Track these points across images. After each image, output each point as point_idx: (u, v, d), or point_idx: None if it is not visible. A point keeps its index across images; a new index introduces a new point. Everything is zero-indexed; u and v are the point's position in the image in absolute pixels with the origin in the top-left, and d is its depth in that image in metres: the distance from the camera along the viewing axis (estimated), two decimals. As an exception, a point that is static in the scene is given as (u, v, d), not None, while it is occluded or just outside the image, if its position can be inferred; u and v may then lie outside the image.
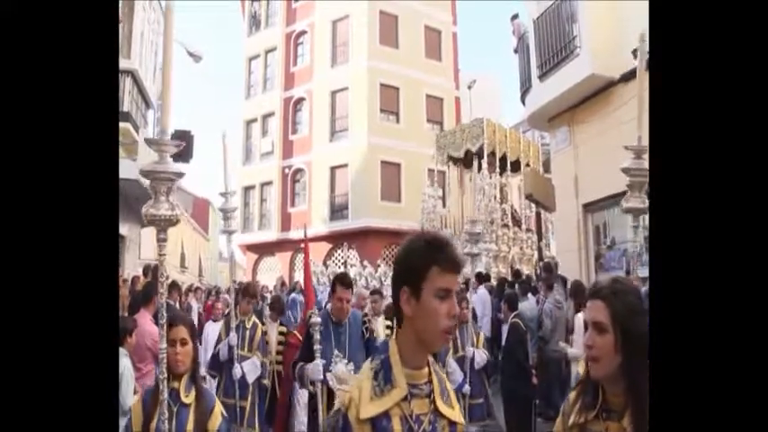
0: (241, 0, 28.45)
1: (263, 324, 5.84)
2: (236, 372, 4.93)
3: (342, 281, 4.01)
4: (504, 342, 6.04)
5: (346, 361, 3.80)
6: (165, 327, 2.07)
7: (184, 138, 12.39)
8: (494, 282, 10.82)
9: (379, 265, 15.82)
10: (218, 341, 5.28)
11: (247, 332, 5.25)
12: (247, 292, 5.62)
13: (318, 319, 3.69)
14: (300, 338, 5.79)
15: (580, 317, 5.63)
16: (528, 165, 15.94)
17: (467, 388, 4.67)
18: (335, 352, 3.77)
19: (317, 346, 3.63)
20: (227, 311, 6.42)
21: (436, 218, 15.99)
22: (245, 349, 5.15)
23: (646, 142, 2.60)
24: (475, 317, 8.17)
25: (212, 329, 7.03)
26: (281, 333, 6.07)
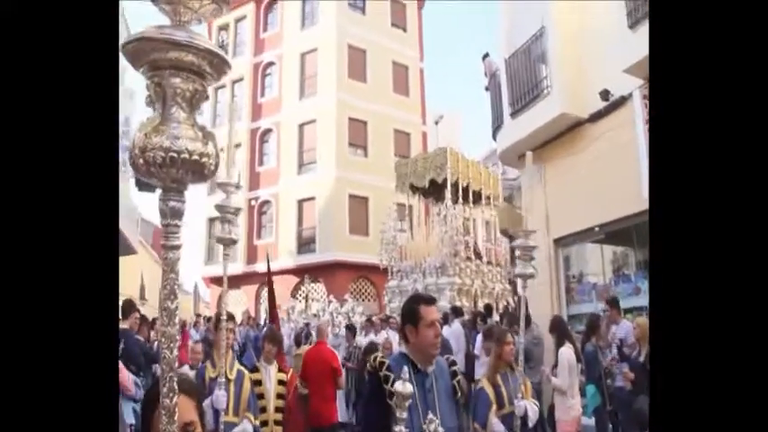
0: (208, 29, 28.46)
1: (255, 370, 4.49)
2: None
3: (424, 299, 2.70)
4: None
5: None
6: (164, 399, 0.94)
7: (152, 168, 12.16)
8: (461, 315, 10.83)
9: (345, 300, 15.58)
10: None
11: (231, 386, 3.77)
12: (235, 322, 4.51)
13: (409, 388, 2.06)
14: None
15: (564, 351, 5.68)
16: (488, 197, 16.21)
17: None
18: (429, 416, 2.42)
19: (399, 429, 2.08)
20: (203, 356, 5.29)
21: (395, 249, 15.96)
22: (231, 412, 3.73)
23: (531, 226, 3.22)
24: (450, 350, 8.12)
25: None
26: (281, 381, 4.63)
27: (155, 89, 0.91)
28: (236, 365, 4.03)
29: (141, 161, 0.88)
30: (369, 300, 21.11)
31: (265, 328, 6.69)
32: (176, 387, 0.93)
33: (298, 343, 8.98)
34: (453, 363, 2.80)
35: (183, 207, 0.97)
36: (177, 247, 0.98)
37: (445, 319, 9.33)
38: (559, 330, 6.05)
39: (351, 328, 9.93)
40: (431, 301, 2.69)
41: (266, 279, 9.74)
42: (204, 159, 0.90)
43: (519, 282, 3.46)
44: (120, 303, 6.86)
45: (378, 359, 2.57)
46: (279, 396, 4.57)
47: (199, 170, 0.90)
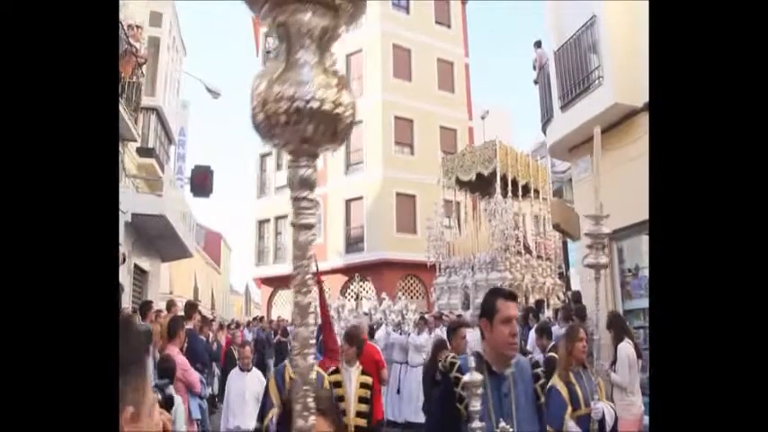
0: (255, 36, 29.05)
1: (335, 372, 4.18)
2: None
3: (503, 292, 2.50)
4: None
5: None
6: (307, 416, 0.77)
7: (205, 173, 12.54)
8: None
9: (399, 298, 15.59)
10: (265, 405, 3.65)
11: None
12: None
13: (478, 376, 1.95)
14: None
15: (623, 347, 5.55)
16: (537, 191, 15.93)
17: None
18: (502, 424, 2.12)
19: (477, 425, 1.93)
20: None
21: (443, 245, 15.86)
22: None
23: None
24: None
25: (238, 382, 5.48)
26: (364, 385, 4.23)
27: (278, 30, 0.75)
28: (315, 366, 3.66)
29: (262, 116, 0.73)
30: (417, 297, 21.12)
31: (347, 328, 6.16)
32: (313, 406, 0.74)
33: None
34: (537, 364, 2.50)
35: (315, 175, 0.76)
36: (310, 227, 0.76)
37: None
38: (617, 326, 5.90)
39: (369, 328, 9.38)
40: (510, 296, 2.43)
41: (316, 280, 9.66)
42: (339, 110, 0.73)
43: (592, 273, 3.12)
44: (183, 305, 7.11)
45: (449, 359, 2.39)
46: (361, 400, 4.16)
47: (332, 123, 0.73)
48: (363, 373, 4.33)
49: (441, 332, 9.55)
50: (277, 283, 25.24)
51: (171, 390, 3.64)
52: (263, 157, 26.71)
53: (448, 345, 5.49)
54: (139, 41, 10.43)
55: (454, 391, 2.22)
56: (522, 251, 14.93)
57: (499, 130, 24.11)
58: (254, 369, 5.71)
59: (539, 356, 7.75)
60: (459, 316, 10.33)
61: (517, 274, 14.31)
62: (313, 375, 0.80)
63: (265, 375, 5.76)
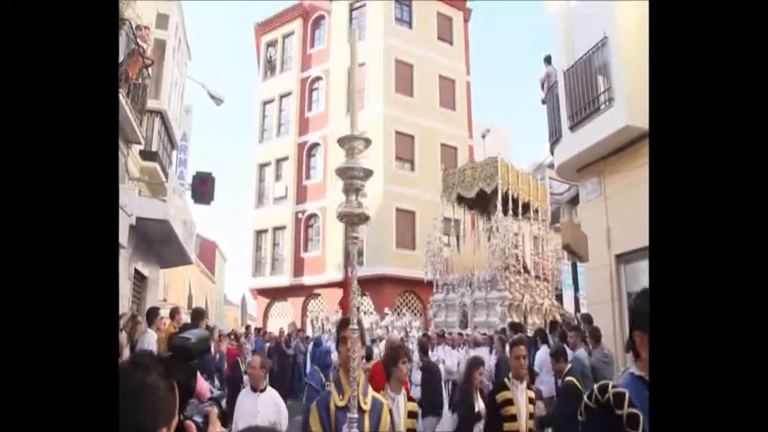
0: (257, 44, 29.05)
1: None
2: None
3: None
4: (557, 400, 5.74)
5: None
6: None
7: (207, 179, 12.37)
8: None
9: (403, 314, 15.39)
10: None
11: (366, 419, 2.80)
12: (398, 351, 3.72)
13: None
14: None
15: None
16: (536, 210, 15.91)
17: None
18: None
19: None
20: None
21: (441, 261, 15.74)
22: None
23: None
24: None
25: (249, 406, 4.60)
26: (411, 414, 3.70)
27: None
28: (371, 390, 2.97)
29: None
30: (416, 314, 20.94)
31: (388, 342, 5.08)
32: None
33: (369, 357, 8.36)
34: None
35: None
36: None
37: (505, 334, 9.08)
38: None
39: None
40: None
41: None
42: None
43: (599, 296, 2.85)
44: (190, 313, 6.90)
45: (610, 388, 1.67)
46: None
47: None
48: (409, 399, 3.76)
49: (442, 351, 9.36)
50: (273, 294, 24.98)
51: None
52: (262, 167, 26.59)
53: (484, 362, 5.23)
54: (147, 42, 10.31)
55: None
56: (522, 271, 14.85)
57: (498, 149, 24.20)
58: (269, 389, 4.84)
59: (546, 378, 7.60)
60: (518, 327, 9.58)
61: (517, 293, 14.20)
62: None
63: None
